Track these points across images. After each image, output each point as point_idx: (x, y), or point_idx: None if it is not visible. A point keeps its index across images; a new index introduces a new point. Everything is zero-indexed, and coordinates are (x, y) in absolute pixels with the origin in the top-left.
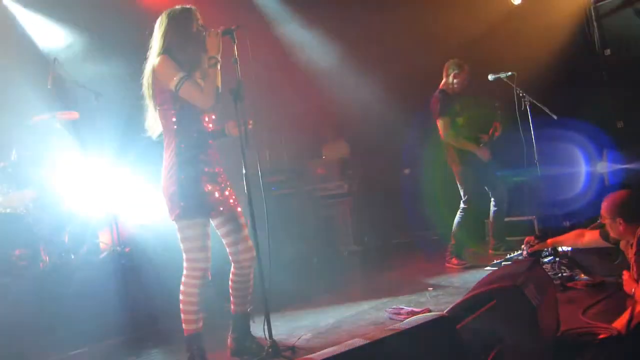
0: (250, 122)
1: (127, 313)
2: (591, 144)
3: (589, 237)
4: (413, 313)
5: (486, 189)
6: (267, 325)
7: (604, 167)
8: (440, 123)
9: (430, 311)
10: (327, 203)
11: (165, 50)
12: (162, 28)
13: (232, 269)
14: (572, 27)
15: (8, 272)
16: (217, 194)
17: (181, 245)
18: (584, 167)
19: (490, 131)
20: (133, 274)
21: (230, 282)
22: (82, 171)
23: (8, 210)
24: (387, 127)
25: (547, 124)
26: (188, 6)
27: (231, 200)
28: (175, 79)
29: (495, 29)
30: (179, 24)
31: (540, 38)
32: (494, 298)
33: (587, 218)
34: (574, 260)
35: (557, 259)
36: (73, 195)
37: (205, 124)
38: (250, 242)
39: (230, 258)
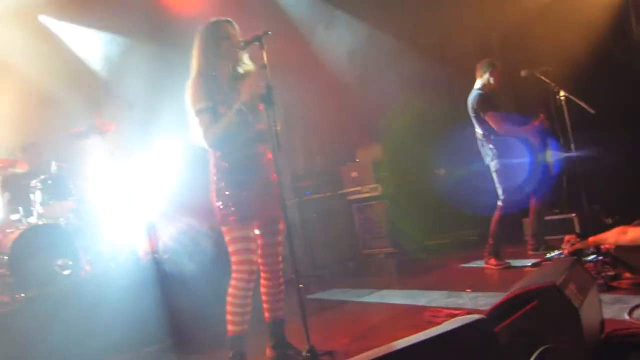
0: (279, 125)
1: (167, 319)
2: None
3: (633, 234)
4: (451, 315)
5: (524, 186)
6: (305, 330)
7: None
8: (490, 117)
9: (468, 313)
10: (361, 206)
11: (198, 72)
12: (195, 47)
13: (262, 275)
14: (609, 21)
15: (50, 281)
16: (257, 199)
17: (228, 248)
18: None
19: (536, 122)
20: (172, 280)
21: (261, 289)
22: (119, 180)
23: (50, 221)
24: (421, 128)
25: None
26: (216, 20)
27: (270, 205)
28: (194, 109)
29: (530, 23)
30: (207, 42)
31: (576, 32)
32: (533, 299)
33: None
34: (617, 258)
35: (600, 257)
36: (111, 205)
37: (246, 132)
38: (281, 249)
39: (261, 262)
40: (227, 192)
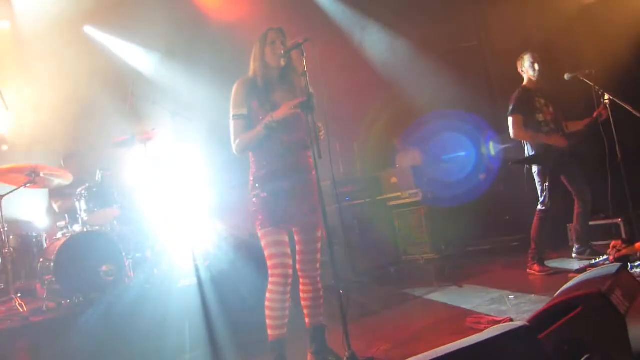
0: (322, 131)
1: (208, 326)
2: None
3: None
4: (494, 322)
5: (568, 188)
6: (345, 336)
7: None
8: (510, 121)
9: (511, 320)
10: (401, 212)
11: (244, 78)
12: (252, 53)
13: (301, 281)
14: None
15: (96, 287)
16: (295, 205)
17: (265, 252)
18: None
19: (595, 113)
20: (213, 287)
21: (301, 294)
22: (161, 188)
23: (95, 228)
24: (460, 133)
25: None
26: (268, 28)
27: (307, 212)
28: (232, 112)
29: (572, 26)
30: (257, 49)
31: (619, 33)
32: (578, 306)
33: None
34: None
35: None
36: (154, 212)
37: (285, 139)
38: (319, 255)
39: (299, 268)
40: (263, 198)
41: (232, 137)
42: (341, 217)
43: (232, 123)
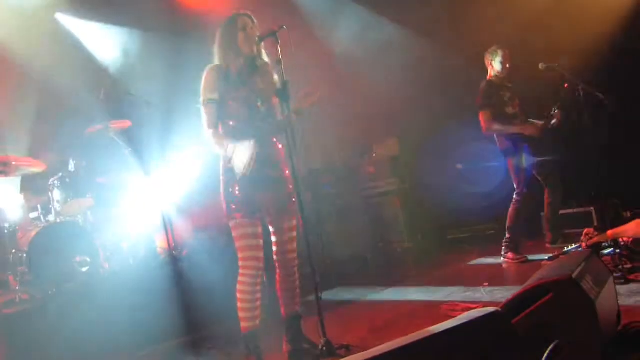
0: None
1: (186, 315)
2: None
3: None
4: (469, 309)
5: (540, 179)
6: (321, 324)
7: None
8: (481, 116)
9: (484, 306)
10: (378, 201)
11: (213, 64)
12: (215, 40)
13: (277, 271)
14: (628, 10)
15: (70, 278)
16: (267, 195)
17: (235, 243)
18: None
19: (545, 121)
20: (191, 276)
21: (276, 284)
22: (135, 178)
23: (68, 219)
24: (437, 122)
25: None
26: (235, 14)
27: (281, 202)
28: (202, 99)
29: (546, 15)
30: (225, 34)
31: (594, 22)
32: (550, 291)
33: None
34: (635, 251)
35: (618, 250)
36: (128, 202)
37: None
38: (295, 245)
39: (275, 258)
40: (234, 188)
41: (206, 124)
42: (318, 206)
43: (203, 109)
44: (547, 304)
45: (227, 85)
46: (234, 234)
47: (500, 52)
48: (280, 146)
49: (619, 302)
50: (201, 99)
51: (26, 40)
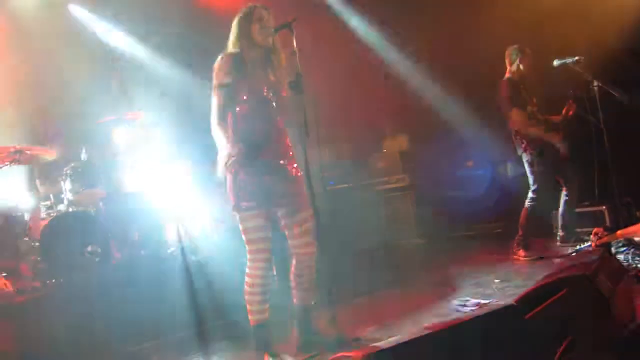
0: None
1: (197, 306)
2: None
3: None
4: (479, 304)
5: (557, 178)
6: (333, 317)
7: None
8: (515, 114)
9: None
10: (388, 197)
11: (228, 52)
12: (231, 31)
13: (292, 262)
14: None
15: (81, 268)
16: (275, 186)
17: (243, 236)
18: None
19: (564, 110)
20: (201, 267)
21: (290, 275)
22: (148, 168)
23: (79, 209)
24: (449, 118)
25: None
26: (251, 5)
27: (293, 193)
28: (216, 82)
29: (562, 10)
30: (241, 25)
31: (611, 19)
32: (563, 287)
33: None
34: None
35: (632, 249)
36: (141, 192)
37: (266, 120)
38: (310, 237)
39: (291, 251)
40: (241, 180)
41: (215, 111)
42: (328, 201)
43: (215, 93)
44: (562, 300)
45: (240, 74)
46: (241, 226)
47: (522, 51)
48: (289, 138)
49: (633, 300)
50: (214, 83)
51: (40, 31)
